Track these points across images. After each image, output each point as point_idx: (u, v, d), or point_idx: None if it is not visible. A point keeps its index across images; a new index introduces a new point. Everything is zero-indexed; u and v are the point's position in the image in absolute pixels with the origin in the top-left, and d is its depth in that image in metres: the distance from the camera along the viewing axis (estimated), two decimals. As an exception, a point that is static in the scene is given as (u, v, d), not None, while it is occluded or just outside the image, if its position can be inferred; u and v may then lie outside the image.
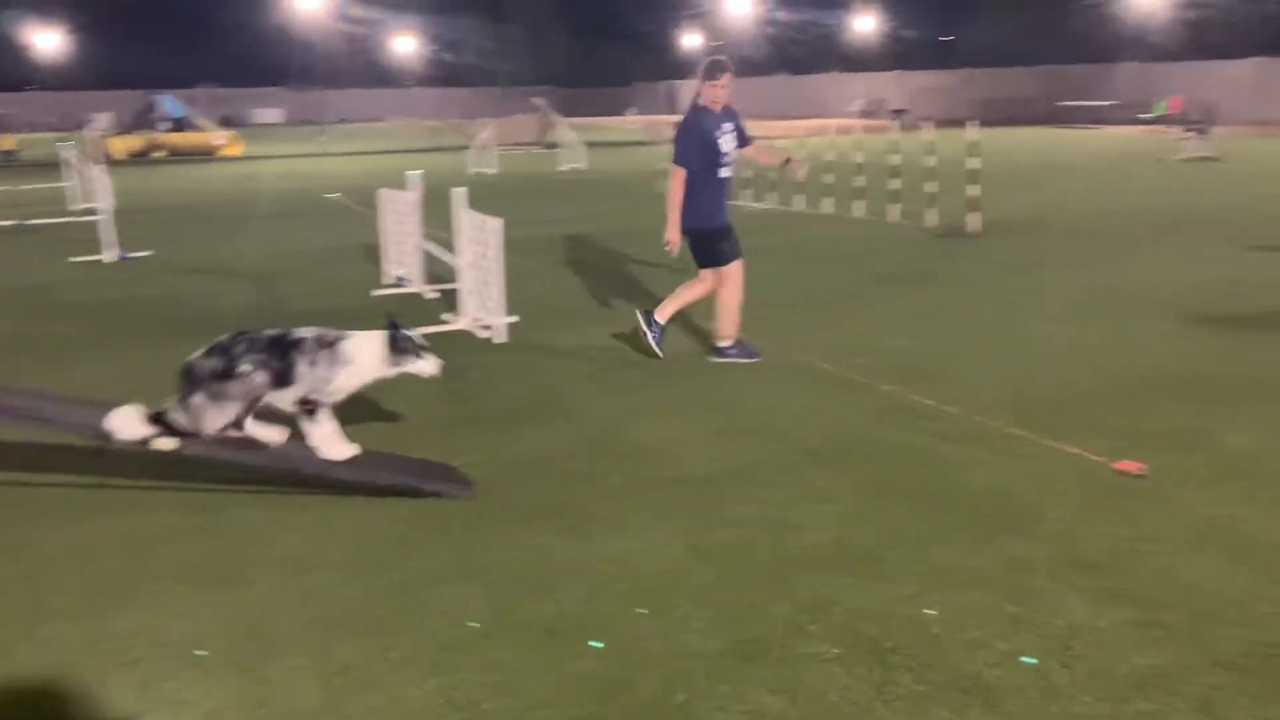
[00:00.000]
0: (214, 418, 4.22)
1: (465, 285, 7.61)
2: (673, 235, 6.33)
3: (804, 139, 16.37)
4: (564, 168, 24.03)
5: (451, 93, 66.44)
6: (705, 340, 6.95)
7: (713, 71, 6.24)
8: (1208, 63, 40.61)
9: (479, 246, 7.31)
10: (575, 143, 24.88)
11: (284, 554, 3.90)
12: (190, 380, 4.21)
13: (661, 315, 6.61)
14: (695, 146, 6.22)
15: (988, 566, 3.65)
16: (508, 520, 4.14)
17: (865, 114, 47.79)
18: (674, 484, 4.49)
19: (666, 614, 3.38)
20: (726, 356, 6.49)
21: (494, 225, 7.03)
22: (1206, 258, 9.73)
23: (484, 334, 7.33)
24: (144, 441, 4.22)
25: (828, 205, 13.91)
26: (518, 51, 76.56)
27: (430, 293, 8.84)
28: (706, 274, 6.50)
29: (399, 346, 4.43)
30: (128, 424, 4.19)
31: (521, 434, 5.21)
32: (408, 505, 4.28)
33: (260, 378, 4.22)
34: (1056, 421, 5.13)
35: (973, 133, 12.13)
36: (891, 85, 50.80)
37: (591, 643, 3.20)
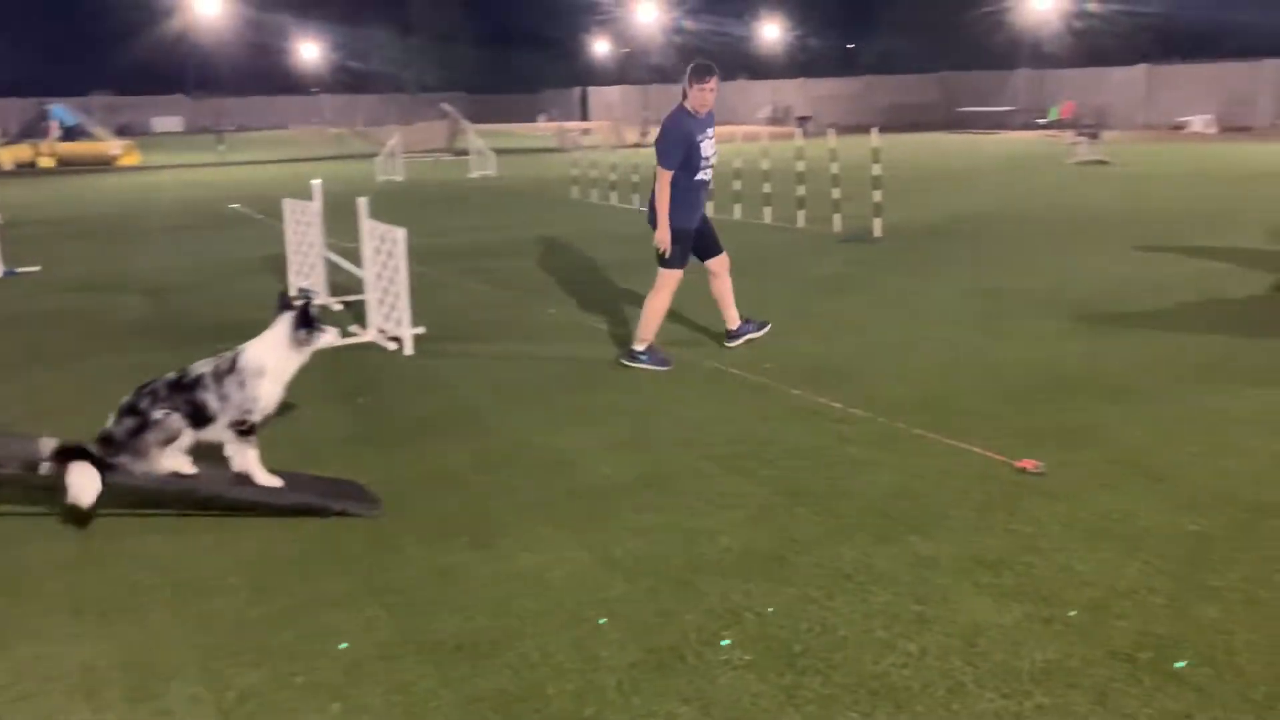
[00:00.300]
0: (149, 467, 4.17)
1: (371, 297, 7.47)
2: (664, 236, 6.30)
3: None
4: (474, 175, 23.83)
5: (358, 99, 65.26)
6: (618, 348, 6.95)
7: (701, 74, 6.18)
8: (1097, 69, 42.18)
9: (384, 257, 7.19)
10: (485, 150, 24.70)
11: (180, 580, 3.76)
12: (114, 447, 4.13)
13: (637, 339, 6.49)
14: (680, 149, 6.18)
15: (894, 567, 3.70)
16: (415, 537, 4.07)
17: (772, 120, 48.48)
18: (585, 495, 4.46)
19: (578, 626, 3.35)
20: (637, 361, 6.45)
21: (398, 235, 6.92)
22: (1098, 257, 10.07)
23: (391, 346, 7.21)
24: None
25: (737, 211, 14.04)
26: (425, 58, 75.72)
27: (336, 305, 8.67)
28: (659, 278, 6.47)
29: (306, 324, 4.32)
30: (87, 486, 4.04)
31: (430, 448, 5.13)
32: (312, 525, 4.18)
33: (175, 421, 4.17)
34: (958, 421, 5.24)
35: (875, 139, 12.37)
36: (797, 92, 51.58)
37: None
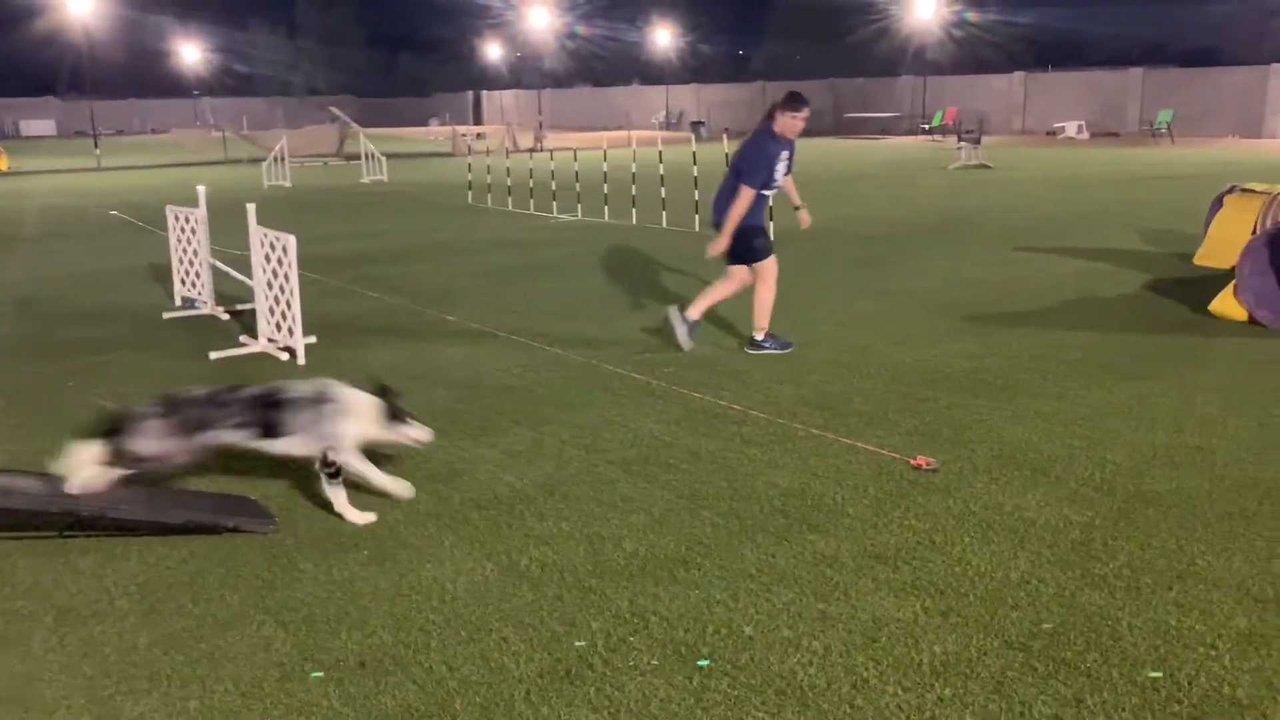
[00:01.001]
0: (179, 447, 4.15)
1: (261, 306, 7.26)
2: (722, 244, 6.66)
3: (606, 149, 16.52)
4: (365, 180, 23.38)
5: (243, 103, 63.28)
6: (515, 353, 6.90)
7: (796, 104, 6.55)
8: (976, 77, 43.71)
9: (274, 265, 7.00)
10: (376, 154, 24.26)
11: (62, 606, 3.59)
12: (172, 407, 4.14)
13: (694, 312, 6.95)
14: (765, 171, 6.58)
15: (795, 566, 3.76)
16: (312, 553, 3.96)
17: (667, 125, 48.86)
18: (486, 504, 4.41)
19: (483, 638, 3.31)
20: (761, 349, 6.86)
21: (288, 242, 6.74)
22: (980, 259, 10.42)
23: (284, 357, 7.01)
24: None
25: (634, 216, 14.10)
26: (312, 60, 74.09)
27: (224, 314, 8.39)
28: (737, 270, 6.83)
29: (396, 415, 4.39)
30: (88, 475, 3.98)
31: (325, 460, 5.00)
32: (202, 543, 4.03)
33: (239, 433, 4.21)
34: (853, 420, 5.36)
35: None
36: (689, 98, 52.11)
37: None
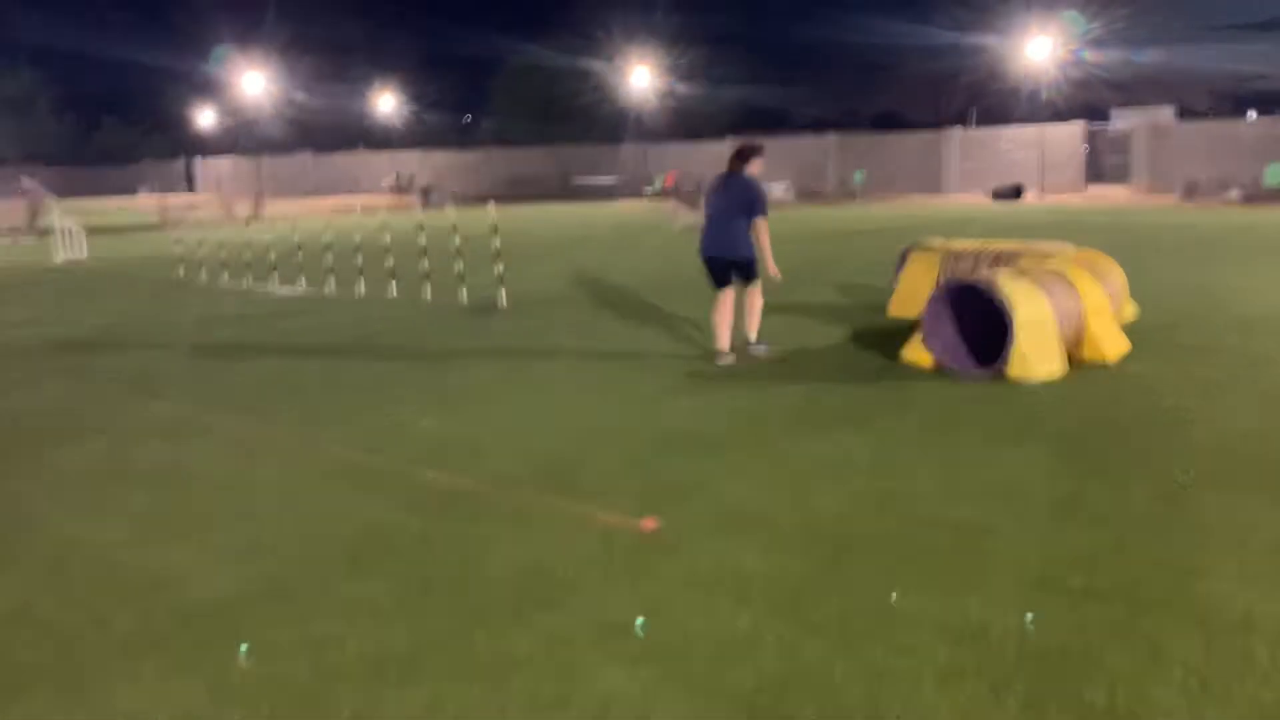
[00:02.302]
0: None
1: (-76, 409, 6.44)
2: (775, 269, 8.52)
3: (330, 219, 16.04)
4: (60, 259, 21.46)
5: (-91, 174, 56.81)
6: (228, 445, 6.49)
7: (759, 152, 8.67)
8: (689, 143, 46.15)
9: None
10: (73, 228, 22.35)
11: None
12: None
13: (753, 333, 8.68)
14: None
15: (527, 649, 3.71)
16: (-17, 694, 3.50)
17: (396, 189, 48.21)
18: (195, 617, 4.06)
19: (188, 771, 3.03)
20: (759, 351, 8.61)
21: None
22: (697, 323, 10.88)
23: (-46, 464, 6.23)
24: None
25: (361, 286, 13.74)
26: (-3, 125, 67.70)
27: (-121, 420, 7.38)
28: (731, 292, 8.49)
29: None
30: None
31: (1, 582, 4.46)
32: None
33: None
34: (583, 487, 5.40)
35: (493, 212, 12.64)
36: (418, 163, 51.77)
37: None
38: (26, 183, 30.55)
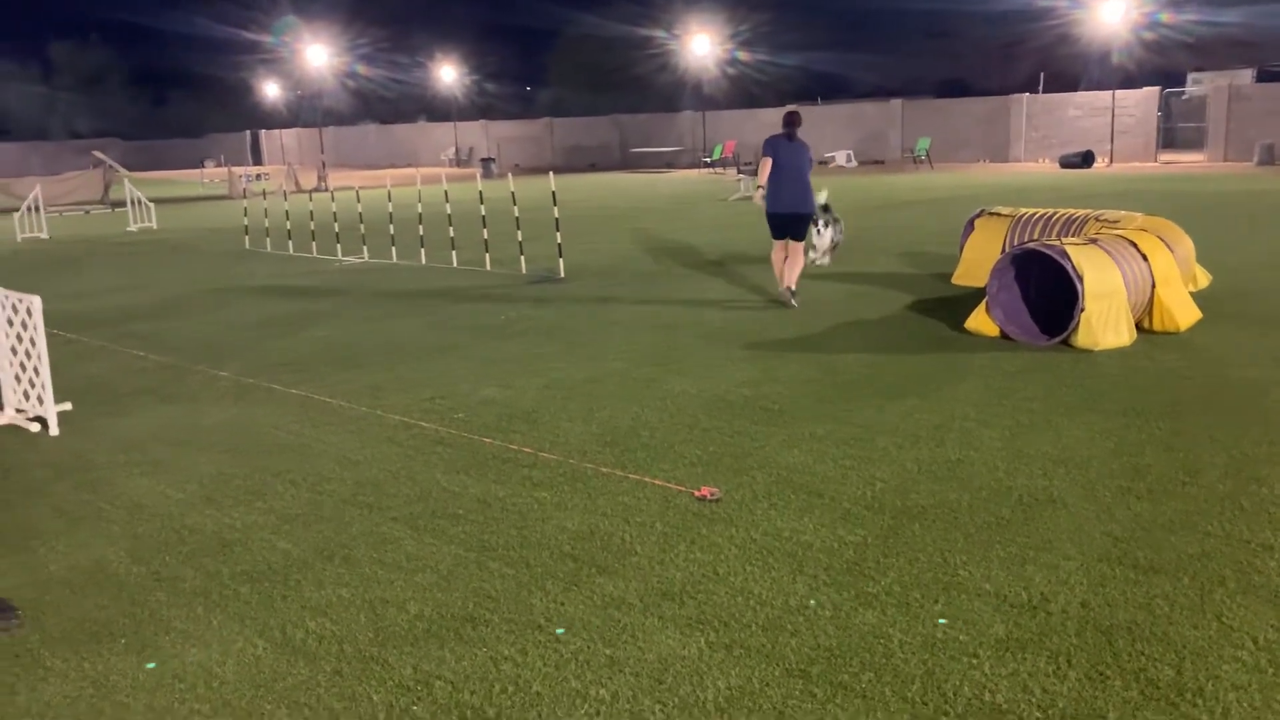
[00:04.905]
0: None
1: (6, 374, 6.65)
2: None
3: (390, 188, 16.17)
4: (132, 228, 21.98)
5: (-10, 148, 58.32)
6: (293, 410, 6.60)
7: (799, 117, 9.68)
8: (750, 111, 45.64)
9: (18, 329, 6.43)
10: (144, 200, 22.85)
11: None
12: None
13: (793, 283, 9.50)
14: None
15: (584, 612, 3.73)
16: (61, 648, 3.62)
17: (456, 162, 48.48)
18: (258, 576, 4.16)
19: (253, 724, 3.11)
20: (795, 297, 9.49)
21: (33, 304, 6.22)
22: (756, 287, 10.81)
23: (34, 428, 6.44)
24: None
25: (423, 257, 13.86)
26: (70, 102, 69.31)
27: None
28: (801, 243, 9.59)
29: None
30: None
31: (76, 540, 4.60)
32: (-73, 649, 3.61)
33: None
34: (640, 456, 5.41)
35: (554, 182, 12.65)
36: (478, 134, 51.95)
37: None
38: (99, 156, 31.23)
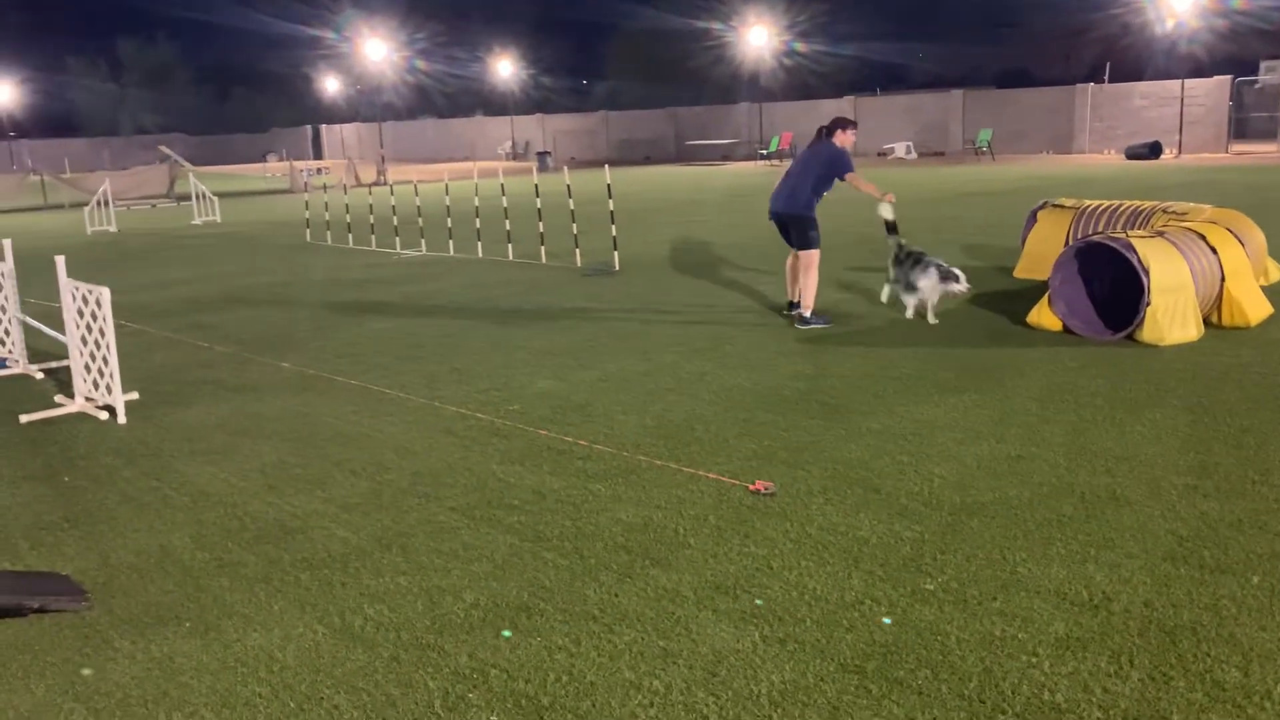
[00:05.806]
0: None
1: (76, 364, 6.84)
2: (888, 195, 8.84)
3: (448, 182, 16.33)
4: (197, 222, 22.47)
5: (64, 144, 59.87)
6: (353, 400, 6.70)
7: (850, 125, 8.72)
8: (808, 102, 45.28)
9: (88, 319, 6.61)
10: (207, 194, 23.34)
11: None
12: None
13: (801, 302, 8.54)
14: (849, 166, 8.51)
15: (637, 603, 3.74)
16: (129, 629, 3.72)
17: (514, 155, 48.80)
18: (318, 563, 4.23)
19: (313, 708, 3.16)
20: (810, 324, 8.39)
21: (102, 295, 6.38)
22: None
23: (103, 416, 6.61)
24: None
25: (479, 250, 13.97)
26: (138, 98, 71.02)
27: (38, 373, 7.88)
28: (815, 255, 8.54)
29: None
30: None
31: (143, 526, 4.72)
32: (3, 629, 3.73)
33: None
34: (694, 449, 5.40)
35: (609, 175, 12.67)
36: (534, 128, 52.22)
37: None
38: (166, 151, 31.96)
